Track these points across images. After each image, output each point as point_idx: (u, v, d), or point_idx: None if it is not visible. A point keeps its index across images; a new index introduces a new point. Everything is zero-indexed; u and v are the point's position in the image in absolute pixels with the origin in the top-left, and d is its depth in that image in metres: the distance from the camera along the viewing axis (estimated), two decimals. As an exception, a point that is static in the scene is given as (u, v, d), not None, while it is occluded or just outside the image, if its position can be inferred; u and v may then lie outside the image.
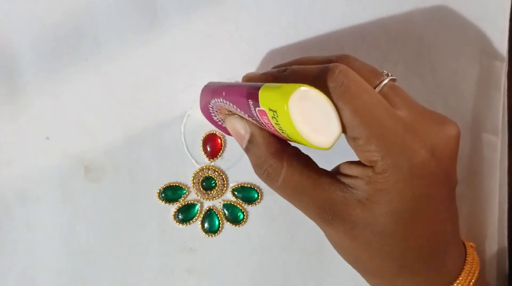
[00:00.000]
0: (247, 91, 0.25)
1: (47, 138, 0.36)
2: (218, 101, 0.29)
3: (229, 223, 0.37)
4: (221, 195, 0.37)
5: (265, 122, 0.25)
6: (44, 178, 0.36)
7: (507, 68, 0.36)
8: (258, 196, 0.36)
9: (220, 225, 0.37)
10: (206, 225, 0.37)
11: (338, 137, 0.24)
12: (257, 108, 0.25)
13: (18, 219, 0.36)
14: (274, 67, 0.31)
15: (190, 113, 0.35)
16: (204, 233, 0.37)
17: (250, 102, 0.25)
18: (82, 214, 0.36)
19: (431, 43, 0.36)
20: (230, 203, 0.37)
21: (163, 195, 0.36)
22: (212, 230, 0.37)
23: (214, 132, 0.36)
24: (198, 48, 0.35)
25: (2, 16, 0.34)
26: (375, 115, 0.24)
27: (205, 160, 0.36)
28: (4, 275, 0.36)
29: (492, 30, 0.36)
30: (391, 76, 0.27)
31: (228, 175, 0.37)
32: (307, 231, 0.37)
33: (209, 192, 0.37)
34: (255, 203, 0.37)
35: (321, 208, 0.26)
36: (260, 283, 0.37)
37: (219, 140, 0.36)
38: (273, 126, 0.25)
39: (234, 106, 0.27)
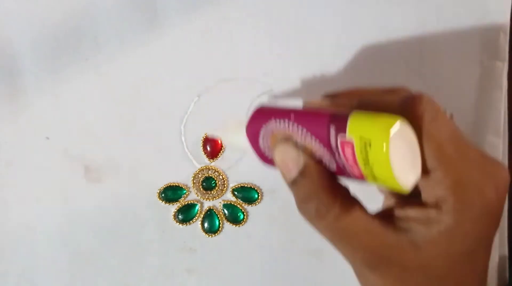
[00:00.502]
0: (331, 116, 0.23)
1: (47, 138, 0.36)
2: (279, 124, 0.26)
3: (229, 223, 0.37)
4: (221, 195, 0.37)
5: (341, 152, 0.23)
6: (44, 178, 0.36)
7: (508, 68, 0.36)
8: (258, 196, 0.36)
9: (220, 225, 0.37)
10: (206, 225, 0.37)
11: (419, 179, 0.22)
12: (340, 135, 0.23)
13: (18, 219, 0.36)
14: (330, 94, 0.28)
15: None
16: (204, 233, 0.37)
17: (333, 128, 0.23)
18: (82, 214, 0.36)
19: (431, 43, 0.36)
20: (230, 203, 0.37)
21: (163, 195, 0.36)
22: (212, 230, 0.37)
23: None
24: (198, 48, 0.35)
25: (2, 16, 0.34)
26: (457, 149, 0.23)
27: (205, 160, 0.36)
28: (4, 275, 0.36)
29: (493, 30, 0.36)
30: (450, 113, 0.26)
31: (228, 175, 0.37)
32: (307, 231, 0.36)
33: (209, 192, 0.37)
34: (255, 203, 0.37)
35: (369, 251, 0.24)
36: (260, 283, 0.37)
37: (219, 140, 0.36)
38: (353, 158, 0.23)
39: (304, 130, 0.25)
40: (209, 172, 0.36)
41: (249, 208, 0.37)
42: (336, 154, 0.23)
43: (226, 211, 0.37)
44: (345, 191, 0.25)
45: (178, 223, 0.36)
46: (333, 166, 0.24)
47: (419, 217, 0.24)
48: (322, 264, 0.37)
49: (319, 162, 0.25)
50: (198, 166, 0.36)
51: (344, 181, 0.25)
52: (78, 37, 0.35)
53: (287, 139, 0.26)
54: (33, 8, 0.35)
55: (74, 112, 0.36)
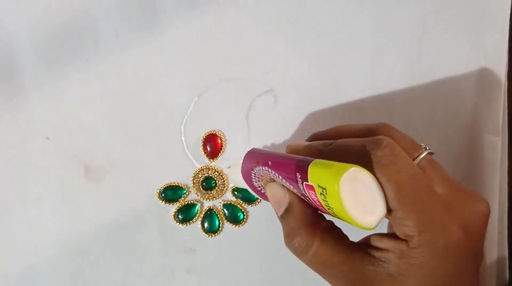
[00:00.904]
0: (296, 164, 0.26)
1: (47, 138, 0.36)
2: (262, 169, 0.29)
3: (229, 223, 0.37)
4: (221, 195, 0.37)
5: (311, 197, 0.25)
6: (44, 178, 0.36)
7: (507, 68, 0.36)
8: (258, 196, 0.36)
9: (220, 225, 0.37)
10: (206, 225, 0.37)
11: (382, 219, 0.24)
12: (304, 182, 0.25)
13: (18, 219, 0.36)
14: (312, 137, 0.31)
15: (227, 172, 0.36)
16: (204, 233, 0.37)
17: (298, 176, 0.25)
18: (82, 214, 0.36)
19: (431, 43, 0.36)
20: (230, 203, 0.37)
21: (163, 195, 0.36)
22: (212, 230, 0.37)
23: (214, 132, 0.36)
24: (198, 48, 0.35)
25: (2, 16, 0.34)
26: (416, 191, 0.24)
27: (205, 160, 0.36)
28: (4, 275, 0.36)
29: (492, 30, 0.36)
30: (429, 149, 0.27)
31: (228, 175, 0.37)
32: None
33: (209, 192, 0.37)
34: (255, 203, 0.37)
35: (349, 282, 0.26)
36: (260, 283, 0.37)
37: (219, 140, 0.36)
38: (319, 202, 0.25)
39: (280, 177, 0.28)
40: (209, 172, 0.36)
41: (249, 208, 0.37)
42: (307, 197, 0.26)
43: (226, 211, 0.37)
44: (327, 224, 0.27)
45: (178, 223, 0.36)
46: (313, 205, 0.27)
47: (394, 249, 0.25)
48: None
49: (303, 200, 0.27)
50: (198, 166, 0.36)
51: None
52: (78, 37, 0.35)
53: (274, 180, 0.29)
54: (33, 8, 0.34)
55: (74, 112, 0.35)
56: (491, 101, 0.36)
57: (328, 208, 0.25)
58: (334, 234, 0.27)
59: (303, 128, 0.36)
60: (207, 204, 0.37)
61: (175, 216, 0.36)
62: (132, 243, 0.36)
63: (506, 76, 0.36)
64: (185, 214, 0.36)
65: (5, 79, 0.35)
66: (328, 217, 0.27)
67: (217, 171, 0.36)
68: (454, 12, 0.36)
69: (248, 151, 0.32)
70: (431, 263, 0.24)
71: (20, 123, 0.35)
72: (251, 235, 0.37)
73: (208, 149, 0.36)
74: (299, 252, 0.27)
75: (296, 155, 0.27)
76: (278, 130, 0.36)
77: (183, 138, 0.36)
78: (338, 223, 0.27)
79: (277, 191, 0.28)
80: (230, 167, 0.36)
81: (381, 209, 0.24)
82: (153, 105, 0.36)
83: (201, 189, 0.36)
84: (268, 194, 0.29)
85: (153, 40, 0.35)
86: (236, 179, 0.36)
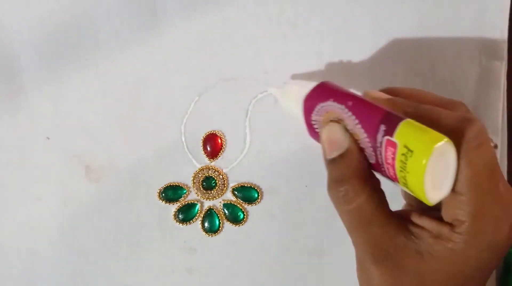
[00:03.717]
0: (384, 115, 0.25)
1: (48, 138, 0.36)
2: (336, 106, 0.27)
3: (229, 222, 0.37)
4: (221, 195, 0.37)
5: (383, 152, 0.25)
6: (45, 178, 0.36)
7: (506, 68, 0.36)
8: (258, 196, 0.36)
9: (220, 224, 0.37)
10: (206, 224, 0.37)
11: (444, 198, 0.24)
12: (386, 137, 0.24)
13: (19, 219, 0.36)
14: (389, 91, 0.29)
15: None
16: (204, 233, 0.37)
17: (382, 127, 0.24)
18: (83, 214, 0.36)
19: (431, 43, 0.36)
20: (230, 203, 0.37)
21: (163, 195, 0.36)
22: (212, 230, 0.37)
23: (214, 132, 0.36)
24: (198, 48, 0.35)
25: (2, 16, 0.34)
26: (489, 181, 0.24)
27: (205, 160, 0.36)
28: (4, 275, 0.36)
29: (491, 29, 0.36)
30: (494, 143, 0.27)
31: (228, 175, 0.37)
32: (307, 231, 0.37)
33: (209, 192, 0.37)
34: (255, 203, 0.37)
35: (378, 246, 0.26)
36: (260, 283, 0.37)
37: (219, 140, 0.36)
38: (392, 160, 0.24)
39: (356, 121, 0.26)
40: (209, 171, 0.36)
41: (249, 208, 0.37)
42: (378, 151, 0.25)
43: (226, 211, 0.37)
44: (375, 183, 0.27)
45: (178, 223, 0.36)
46: (372, 160, 0.26)
47: (432, 229, 0.25)
48: (321, 263, 0.37)
49: (361, 151, 0.26)
50: (198, 166, 0.36)
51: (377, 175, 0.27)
52: (78, 37, 0.35)
53: (339, 121, 0.27)
54: (33, 8, 0.34)
55: (74, 112, 0.36)
56: (491, 101, 0.36)
57: (401, 171, 0.24)
58: (380, 195, 0.26)
59: (303, 128, 0.36)
60: (207, 204, 0.37)
61: (175, 216, 0.36)
62: (132, 243, 0.36)
63: (506, 76, 0.36)
64: (185, 214, 0.36)
65: (5, 79, 0.35)
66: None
67: (217, 171, 0.36)
68: (454, 12, 0.36)
69: (323, 82, 0.29)
70: (470, 252, 0.24)
71: (20, 123, 0.35)
72: (251, 235, 0.37)
73: (208, 149, 0.36)
74: (342, 201, 0.26)
75: (384, 107, 0.26)
76: (278, 130, 0.36)
77: (183, 138, 0.36)
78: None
79: (338, 133, 0.26)
80: (283, 88, 0.32)
81: (448, 188, 0.23)
82: (153, 105, 0.36)
83: (201, 189, 0.36)
84: (324, 132, 0.27)
85: (153, 40, 0.35)
86: (284, 102, 0.32)
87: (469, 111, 0.27)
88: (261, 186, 0.37)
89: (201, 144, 0.36)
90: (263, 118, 0.36)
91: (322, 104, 0.28)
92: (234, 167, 0.36)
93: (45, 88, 0.35)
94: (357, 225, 0.26)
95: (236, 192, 0.37)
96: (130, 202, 0.36)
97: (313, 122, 0.30)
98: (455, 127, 0.24)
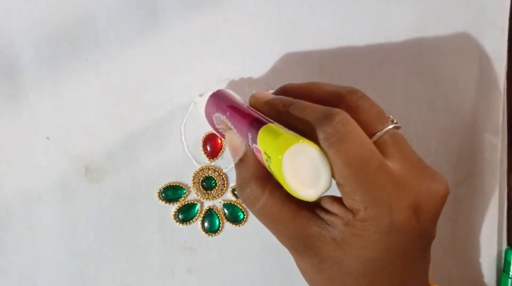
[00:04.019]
0: (249, 124, 0.26)
1: (48, 138, 0.36)
2: (221, 117, 0.29)
3: (229, 222, 0.37)
4: (221, 195, 0.37)
5: (258, 157, 0.26)
6: (45, 178, 0.36)
7: (506, 68, 0.36)
8: (258, 196, 0.36)
9: (220, 224, 0.37)
10: (206, 224, 0.37)
11: (325, 192, 0.24)
12: (254, 144, 0.25)
13: (19, 219, 0.36)
14: (281, 91, 0.30)
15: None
16: (204, 233, 0.37)
17: (249, 136, 0.26)
18: (83, 214, 0.36)
19: (431, 43, 0.36)
20: (230, 203, 0.37)
21: (163, 195, 0.36)
22: (212, 230, 0.37)
23: (214, 132, 0.36)
24: (197, 48, 0.35)
25: (2, 16, 0.34)
26: (365, 169, 0.24)
27: (205, 160, 0.36)
28: (4, 275, 0.36)
29: (492, 30, 0.36)
30: (396, 123, 0.27)
31: (228, 175, 0.37)
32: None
33: (209, 192, 0.37)
34: (255, 203, 0.37)
35: (294, 239, 0.26)
36: (260, 283, 0.37)
37: (219, 140, 0.36)
38: (263, 163, 0.25)
39: (235, 130, 0.28)
40: (209, 171, 0.36)
41: (249, 207, 0.37)
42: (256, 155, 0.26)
43: (226, 211, 0.37)
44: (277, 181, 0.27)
45: (178, 223, 0.36)
46: None
47: (342, 215, 0.25)
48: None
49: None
50: (198, 166, 0.36)
51: None
52: (78, 37, 0.35)
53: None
54: (33, 8, 0.34)
55: (74, 112, 0.36)
56: (491, 101, 0.36)
57: (272, 173, 0.25)
58: (284, 190, 0.27)
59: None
60: (207, 204, 0.37)
61: (175, 216, 0.36)
62: (132, 243, 0.36)
63: (506, 76, 0.36)
64: (185, 214, 0.36)
65: (6, 79, 0.35)
66: None
67: (217, 171, 0.36)
68: (454, 12, 0.36)
69: (213, 93, 0.31)
70: (373, 237, 0.24)
71: (20, 123, 0.35)
72: (251, 235, 0.37)
73: (208, 149, 0.36)
74: (248, 203, 0.27)
75: (253, 112, 0.27)
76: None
77: (183, 138, 0.36)
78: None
79: (235, 140, 0.29)
80: (202, 97, 0.34)
81: (324, 184, 0.24)
82: (153, 105, 0.36)
83: (201, 189, 0.36)
84: (226, 140, 0.30)
85: (153, 40, 0.35)
86: (202, 111, 0.34)
87: (362, 97, 0.27)
88: (261, 186, 0.37)
89: (201, 144, 0.36)
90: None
91: (214, 115, 0.31)
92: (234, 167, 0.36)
93: (45, 88, 0.35)
94: (268, 223, 0.27)
95: (236, 192, 0.37)
96: (130, 202, 0.36)
97: (220, 130, 0.32)
98: (319, 121, 0.24)
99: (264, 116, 0.26)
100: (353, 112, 0.25)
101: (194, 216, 0.37)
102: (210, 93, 0.32)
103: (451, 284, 0.37)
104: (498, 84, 0.36)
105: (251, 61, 0.35)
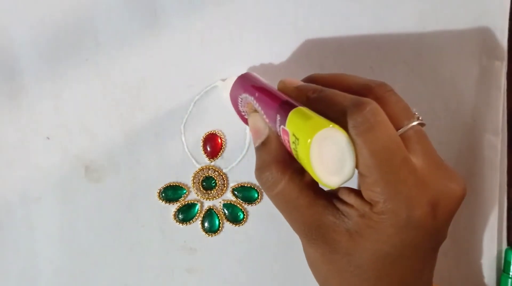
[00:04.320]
0: (279, 106, 0.26)
1: (48, 138, 0.36)
2: (248, 98, 0.29)
3: (229, 222, 0.37)
4: (221, 195, 0.37)
5: (284, 140, 0.26)
6: (45, 178, 0.36)
7: (506, 67, 0.36)
8: (258, 196, 0.36)
9: (220, 224, 0.37)
10: (206, 224, 0.37)
11: (347, 181, 0.24)
12: (281, 126, 0.25)
13: (19, 219, 0.36)
14: (309, 79, 0.30)
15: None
16: (204, 233, 0.37)
17: (278, 117, 0.25)
18: (83, 214, 0.36)
19: (431, 43, 0.36)
20: (230, 203, 0.37)
21: (163, 195, 0.36)
22: (212, 230, 0.37)
23: (214, 132, 0.36)
24: (198, 48, 0.35)
25: (2, 16, 0.34)
26: (390, 162, 0.24)
27: (205, 160, 0.36)
28: (4, 275, 0.36)
29: (492, 29, 0.36)
30: (421, 120, 0.27)
31: (228, 175, 0.37)
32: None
33: (209, 192, 0.37)
34: (255, 203, 0.37)
35: (307, 226, 0.26)
36: (260, 283, 0.37)
37: (219, 140, 0.36)
38: (289, 147, 0.25)
39: (262, 111, 0.28)
40: (209, 171, 0.36)
41: (249, 208, 0.37)
42: (281, 138, 0.26)
43: (226, 211, 0.37)
44: (299, 166, 0.27)
45: (178, 223, 0.36)
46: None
47: (358, 207, 0.25)
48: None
49: (279, 137, 0.27)
50: (198, 166, 0.36)
51: None
52: (78, 37, 0.35)
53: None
54: (33, 8, 0.34)
55: (74, 112, 0.36)
56: (491, 101, 0.36)
57: (297, 158, 0.25)
58: (304, 177, 0.27)
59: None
60: (207, 204, 0.37)
61: (175, 216, 0.36)
62: (132, 243, 0.36)
63: (506, 76, 0.36)
64: (185, 214, 0.36)
65: (6, 79, 0.35)
66: None
67: (217, 171, 0.36)
68: (454, 12, 0.36)
69: (242, 75, 0.31)
70: (388, 230, 0.24)
71: (20, 123, 0.35)
72: (251, 235, 0.37)
73: (208, 149, 0.36)
74: (267, 187, 0.27)
75: (283, 96, 0.27)
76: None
77: (183, 138, 0.36)
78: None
79: (259, 123, 0.29)
80: (225, 81, 0.35)
81: (348, 173, 0.24)
82: (153, 105, 0.36)
83: (201, 189, 0.36)
84: (250, 123, 0.30)
85: (153, 40, 0.35)
86: (226, 95, 0.34)
87: (390, 91, 0.27)
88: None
89: (201, 144, 0.36)
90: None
91: (240, 97, 0.30)
92: (234, 167, 0.36)
93: (45, 88, 0.35)
94: (284, 208, 0.27)
95: (236, 192, 0.37)
96: (130, 202, 0.36)
97: (242, 113, 0.32)
98: (349, 109, 0.24)
99: (294, 100, 0.26)
100: (381, 104, 0.25)
101: (194, 216, 0.37)
102: (234, 77, 0.32)
103: (451, 284, 0.37)
104: (498, 84, 0.36)
105: (251, 61, 0.35)
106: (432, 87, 0.36)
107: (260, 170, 0.27)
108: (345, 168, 0.24)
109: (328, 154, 0.23)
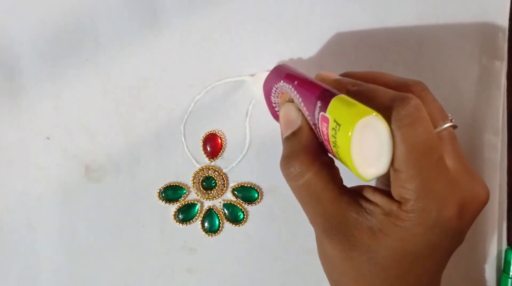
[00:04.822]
0: (321, 92, 0.25)
1: (48, 138, 0.36)
2: (286, 86, 0.29)
3: (229, 222, 0.37)
4: (221, 195, 0.37)
5: (320, 128, 0.25)
6: (45, 178, 0.36)
7: (507, 67, 0.36)
8: (258, 196, 0.36)
9: (220, 224, 0.37)
10: (206, 224, 0.37)
11: (381, 175, 0.24)
12: (321, 113, 0.25)
13: (19, 219, 0.36)
14: (346, 74, 0.30)
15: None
16: (204, 233, 0.37)
17: (318, 104, 0.25)
18: (83, 214, 0.36)
19: (431, 43, 0.36)
20: (230, 203, 0.37)
21: (163, 195, 0.36)
22: (212, 230, 0.37)
23: (214, 132, 0.36)
24: (198, 48, 0.35)
25: (2, 16, 0.35)
26: (427, 158, 0.24)
27: (205, 160, 0.36)
28: (4, 275, 0.36)
29: (492, 29, 0.36)
30: (453, 122, 0.27)
31: (228, 175, 0.37)
32: (307, 231, 0.37)
33: (209, 192, 0.37)
34: (255, 203, 0.37)
35: (329, 221, 0.26)
36: (260, 283, 0.37)
37: (219, 140, 0.36)
38: (327, 135, 0.25)
39: (300, 99, 0.27)
40: (209, 172, 0.36)
41: (249, 208, 0.37)
42: (319, 128, 0.26)
43: (226, 211, 0.37)
44: (327, 160, 0.27)
45: (178, 223, 0.36)
46: (319, 138, 0.27)
47: (383, 205, 0.25)
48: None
49: (312, 129, 0.27)
50: (198, 166, 0.36)
51: None
52: (78, 37, 0.35)
53: (292, 101, 0.28)
54: (33, 8, 0.35)
55: (74, 112, 0.36)
56: (491, 101, 0.36)
57: (334, 146, 0.24)
58: (330, 171, 0.27)
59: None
60: (207, 204, 0.37)
61: (175, 216, 0.36)
62: (132, 243, 0.36)
63: (506, 76, 0.36)
64: (185, 214, 0.36)
65: (6, 79, 0.35)
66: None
67: (217, 171, 0.36)
68: (454, 11, 0.36)
69: (278, 65, 0.31)
70: (415, 229, 0.24)
71: (20, 123, 0.35)
72: (251, 235, 0.37)
73: (208, 149, 0.36)
74: (292, 177, 0.27)
75: (324, 85, 0.26)
76: (278, 129, 0.36)
77: (183, 138, 0.36)
78: (336, 164, 0.27)
79: (292, 112, 0.28)
80: (254, 76, 0.35)
81: (384, 166, 0.23)
82: (153, 105, 0.36)
83: (201, 189, 0.37)
84: (281, 112, 0.29)
85: (153, 40, 0.35)
86: (255, 89, 0.34)
87: (426, 90, 0.27)
88: (261, 186, 0.37)
89: (201, 144, 0.36)
90: (263, 118, 0.36)
91: (276, 85, 0.30)
92: (234, 167, 0.36)
93: (45, 88, 0.35)
94: (307, 201, 0.27)
95: (236, 192, 0.37)
96: (130, 202, 0.36)
97: (274, 105, 0.32)
98: (389, 105, 0.24)
99: (335, 90, 0.26)
100: None
101: (194, 216, 0.37)
102: (264, 72, 0.32)
103: (451, 284, 0.37)
104: (498, 84, 0.36)
105: (251, 61, 0.35)
106: (432, 87, 0.36)
107: (287, 159, 0.27)
108: (381, 160, 0.23)
109: (368, 143, 0.23)
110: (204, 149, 0.36)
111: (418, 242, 0.25)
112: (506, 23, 0.36)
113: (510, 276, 0.37)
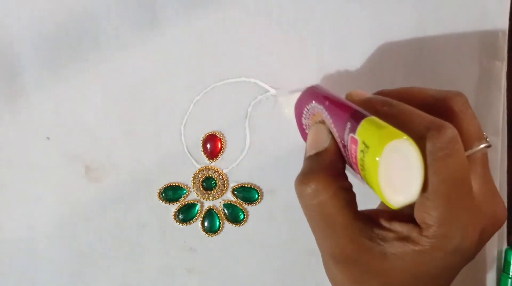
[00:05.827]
0: (351, 113, 0.25)
1: (48, 138, 0.36)
2: (317, 107, 0.28)
3: (229, 223, 0.37)
4: (221, 195, 0.37)
5: (349, 150, 0.25)
6: (45, 178, 0.36)
7: (507, 68, 0.36)
8: (258, 196, 0.36)
9: (221, 225, 0.37)
10: (206, 224, 0.37)
11: (408, 204, 0.23)
12: (351, 134, 0.24)
13: (19, 219, 0.36)
14: (380, 92, 0.30)
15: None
16: (204, 233, 0.37)
17: (348, 125, 0.24)
18: (83, 214, 0.36)
19: (431, 44, 0.36)
20: (231, 203, 0.37)
21: (163, 195, 0.36)
22: (212, 230, 0.37)
23: (214, 133, 0.36)
24: (197, 48, 0.35)
25: (2, 16, 0.34)
26: (458, 191, 0.23)
27: (205, 161, 0.36)
28: (4, 275, 0.36)
29: (492, 30, 0.36)
30: (488, 142, 0.26)
31: (228, 175, 0.37)
32: (307, 231, 0.36)
33: (209, 192, 0.37)
34: (255, 203, 0.37)
35: (339, 247, 0.25)
36: (260, 283, 0.37)
37: (218, 141, 0.36)
38: (355, 158, 0.24)
39: (331, 120, 0.27)
40: (209, 172, 0.36)
41: (249, 208, 0.37)
42: (347, 149, 0.25)
43: (226, 211, 0.37)
44: (345, 185, 0.26)
45: (178, 223, 0.36)
46: (346, 159, 0.26)
47: (400, 232, 0.25)
48: (321, 263, 0.37)
49: (339, 152, 0.26)
50: (198, 166, 0.36)
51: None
52: (78, 37, 0.35)
53: (323, 122, 0.28)
54: (33, 8, 0.34)
55: (74, 112, 0.36)
56: (491, 101, 0.36)
57: (362, 169, 0.24)
58: (347, 196, 0.26)
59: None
60: (207, 204, 0.37)
61: (175, 216, 0.36)
62: (132, 243, 0.36)
63: (506, 76, 0.36)
64: (185, 214, 0.37)
65: (6, 79, 0.35)
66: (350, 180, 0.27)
67: (217, 171, 0.36)
68: (454, 12, 0.35)
69: (312, 86, 0.30)
70: (435, 254, 0.24)
71: (20, 123, 0.35)
72: (251, 235, 0.37)
73: (208, 149, 0.36)
74: (305, 194, 0.26)
75: (355, 106, 0.26)
76: (278, 130, 0.36)
77: (183, 139, 0.36)
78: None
79: (322, 133, 0.27)
80: (287, 96, 0.34)
81: (413, 195, 0.22)
82: (153, 105, 0.36)
83: (201, 189, 0.37)
84: (311, 132, 0.28)
85: (153, 40, 0.35)
86: (286, 109, 0.34)
87: (466, 103, 0.27)
88: (261, 187, 0.37)
89: (201, 144, 0.36)
90: (263, 119, 0.36)
91: (308, 107, 0.30)
92: (234, 167, 0.36)
93: (45, 88, 0.35)
94: (318, 223, 0.26)
95: (236, 193, 0.37)
96: (130, 202, 0.36)
97: (304, 126, 0.31)
98: (424, 133, 0.23)
99: (365, 111, 0.25)
100: (457, 119, 0.25)
101: (194, 216, 0.37)
102: (297, 92, 0.31)
103: (451, 284, 0.37)
104: (499, 84, 0.36)
105: (251, 61, 0.35)
106: (432, 87, 0.36)
107: (305, 176, 0.26)
108: (411, 188, 0.22)
109: (396, 168, 0.22)
110: (204, 149, 0.36)
111: (435, 265, 0.24)
112: (506, 24, 0.36)
113: (510, 276, 0.37)
